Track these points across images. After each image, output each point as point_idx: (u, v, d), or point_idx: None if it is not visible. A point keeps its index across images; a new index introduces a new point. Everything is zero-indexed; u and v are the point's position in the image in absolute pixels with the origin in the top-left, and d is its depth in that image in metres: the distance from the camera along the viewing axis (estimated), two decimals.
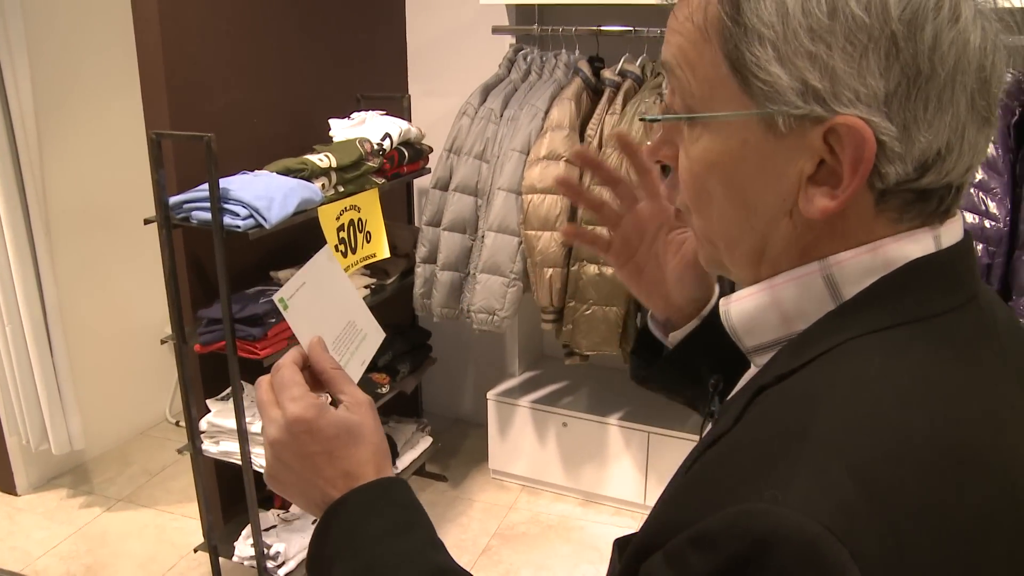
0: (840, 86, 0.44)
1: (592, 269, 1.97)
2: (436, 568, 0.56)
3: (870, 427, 0.41)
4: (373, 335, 0.66)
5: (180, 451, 1.92)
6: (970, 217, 1.67)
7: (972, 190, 1.67)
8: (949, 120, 0.44)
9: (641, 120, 0.65)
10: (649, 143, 0.56)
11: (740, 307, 0.52)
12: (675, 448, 2.39)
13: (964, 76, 0.43)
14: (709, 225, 0.52)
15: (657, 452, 2.42)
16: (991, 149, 1.66)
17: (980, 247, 1.65)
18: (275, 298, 0.68)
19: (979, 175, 1.68)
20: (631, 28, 2.13)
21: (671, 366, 0.72)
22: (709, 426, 0.62)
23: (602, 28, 2.16)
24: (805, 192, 0.47)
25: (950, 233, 0.47)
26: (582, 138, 2.07)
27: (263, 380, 0.60)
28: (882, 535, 0.38)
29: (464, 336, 2.71)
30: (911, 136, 0.44)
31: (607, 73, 2.11)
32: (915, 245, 0.47)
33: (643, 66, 2.13)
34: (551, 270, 2.04)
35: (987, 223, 1.66)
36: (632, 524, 2.45)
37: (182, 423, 2.86)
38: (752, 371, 0.55)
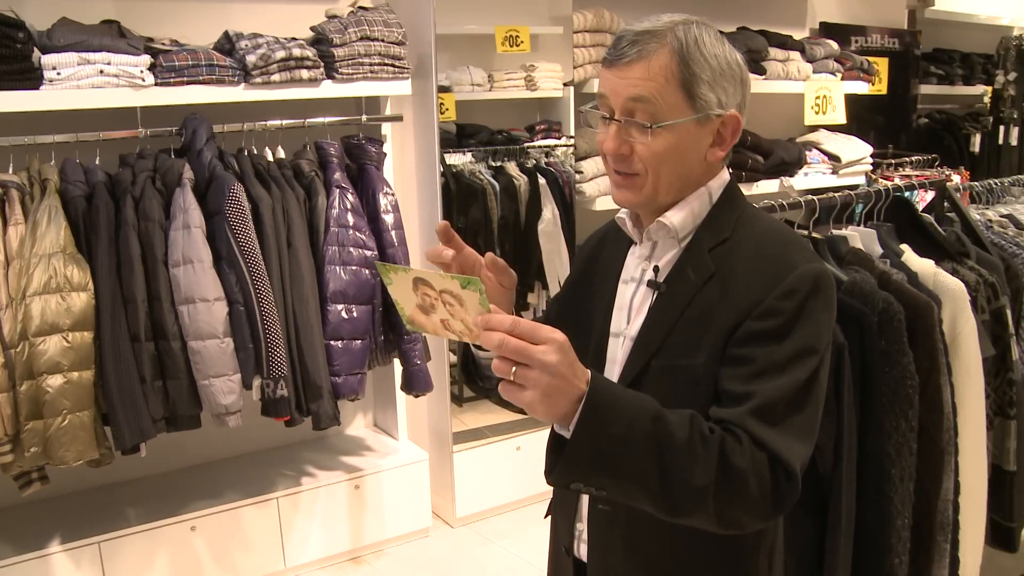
0: (730, 99, 1.26)
1: (58, 379, 2.35)
2: (656, 406, 1.13)
3: (796, 236, 1.32)
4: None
5: None
6: None
7: None
8: (746, 115, 1.31)
9: (644, 127, 1.21)
10: (609, 143, 1.26)
11: (676, 217, 1.30)
12: (132, 544, 2.90)
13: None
14: (659, 180, 1.27)
15: (113, 557, 2.90)
16: None
17: None
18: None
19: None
20: None
21: None
22: (654, 294, 1.31)
23: None
24: (711, 150, 1.28)
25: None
26: None
27: (506, 339, 1.03)
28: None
29: None
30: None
31: None
32: (726, 175, 1.34)
33: (18, 173, 2.54)
34: None
35: None
36: None
37: None
38: (675, 251, 1.31)
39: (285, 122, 3.00)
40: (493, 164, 3.71)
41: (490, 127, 3.74)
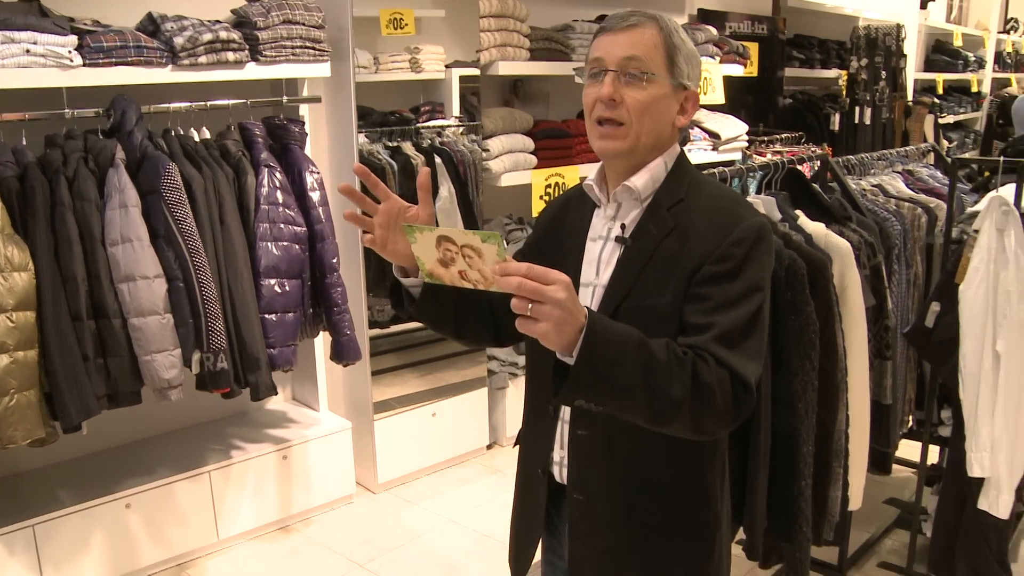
0: (694, 79, 1.54)
1: (3, 359, 2.39)
2: (640, 334, 1.33)
3: (739, 196, 1.63)
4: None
5: None
6: None
7: None
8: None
9: (628, 75, 1.45)
10: (605, 89, 1.47)
11: (639, 180, 1.52)
12: (67, 525, 2.93)
13: None
14: (642, 132, 1.49)
15: (48, 540, 2.91)
16: None
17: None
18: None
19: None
20: None
21: (429, 296, 1.55)
22: (621, 248, 1.53)
23: None
24: (677, 117, 1.55)
25: None
26: None
27: (523, 281, 1.22)
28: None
29: None
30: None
31: None
32: (677, 147, 1.58)
33: None
34: None
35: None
36: None
37: None
38: (638, 211, 1.53)
39: (211, 103, 3.06)
40: (389, 144, 3.83)
41: (375, 108, 3.86)
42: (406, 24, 3.71)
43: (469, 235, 1.26)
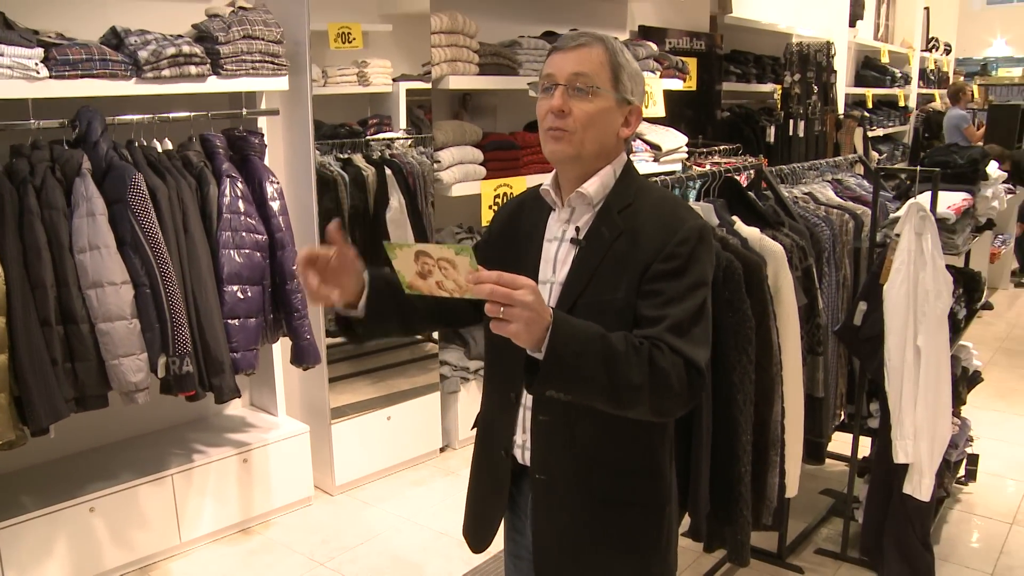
0: (638, 95, 1.72)
1: None
2: (601, 328, 1.49)
3: (682, 200, 1.84)
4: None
5: None
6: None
7: None
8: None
9: (576, 89, 1.61)
10: (555, 101, 1.62)
11: (591, 187, 1.69)
12: (31, 530, 2.99)
13: None
14: (586, 139, 1.65)
15: (11, 545, 2.96)
16: None
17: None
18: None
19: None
20: None
21: (374, 317, 1.72)
22: (576, 249, 1.68)
23: None
24: (621, 129, 1.71)
25: None
26: None
27: (495, 288, 1.37)
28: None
29: None
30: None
31: None
32: (625, 156, 1.75)
33: None
34: None
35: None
36: None
37: None
38: (590, 214, 1.70)
39: (173, 115, 3.16)
40: (340, 156, 3.93)
41: (324, 121, 3.94)
42: (354, 38, 3.82)
43: (444, 249, 1.42)
